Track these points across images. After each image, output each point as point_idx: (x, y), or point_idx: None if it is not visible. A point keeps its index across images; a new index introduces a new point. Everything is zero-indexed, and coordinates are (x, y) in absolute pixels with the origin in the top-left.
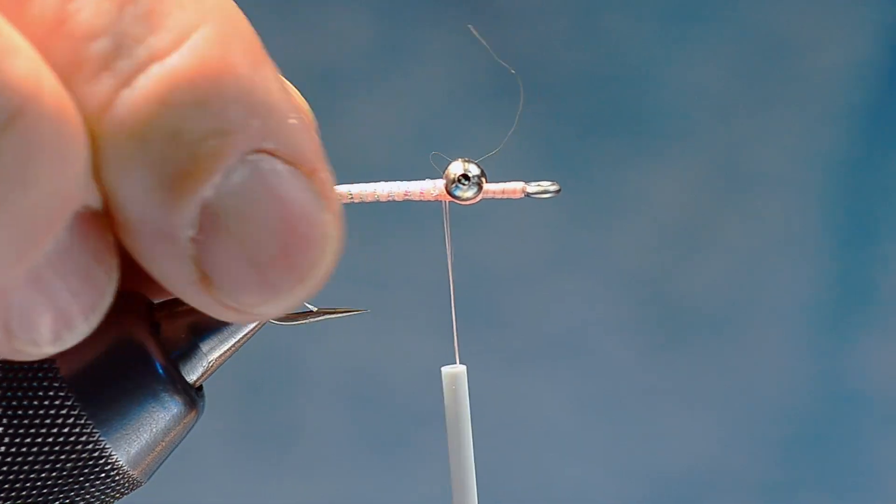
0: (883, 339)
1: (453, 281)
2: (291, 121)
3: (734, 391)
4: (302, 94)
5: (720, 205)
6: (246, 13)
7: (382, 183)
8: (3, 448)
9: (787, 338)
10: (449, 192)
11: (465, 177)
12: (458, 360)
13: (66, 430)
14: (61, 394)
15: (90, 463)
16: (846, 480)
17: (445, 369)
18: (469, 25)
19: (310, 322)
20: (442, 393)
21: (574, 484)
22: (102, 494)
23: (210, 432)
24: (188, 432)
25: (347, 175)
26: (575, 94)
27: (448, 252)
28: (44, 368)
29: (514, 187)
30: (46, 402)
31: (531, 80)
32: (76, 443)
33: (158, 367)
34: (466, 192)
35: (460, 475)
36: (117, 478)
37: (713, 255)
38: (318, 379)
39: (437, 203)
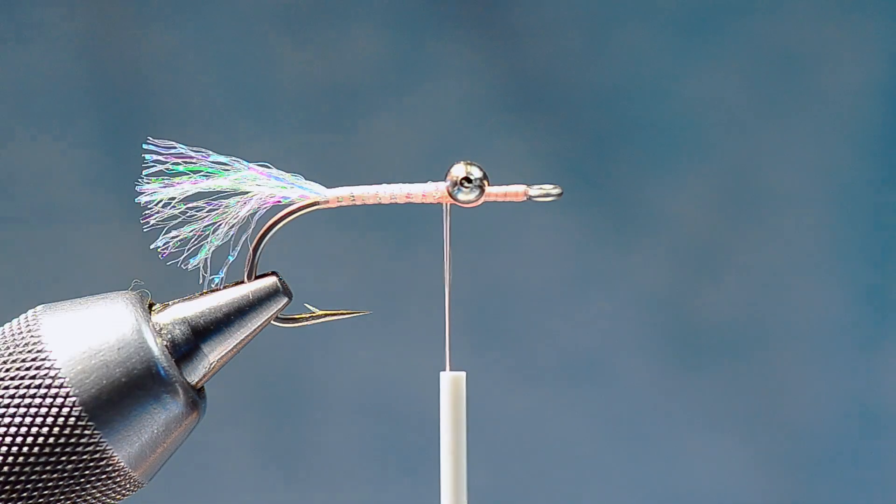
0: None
1: (450, 284)
2: None
3: (757, 412)
4: (321, 110)
5: (739, 221)
6: (266, 32)
7: (385, 185)
8: (4, 449)
9: (811, 357)
10: (451, 195)
11: (468, 179)
12: (448, 366)
13: (67, 430)
14: (63, 395)
15: (91, 464)
16: (874, 501)
17: (444, 374)
18: None
19: (311, 324)
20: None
21: None
22: (103, 496)
23: (228, 446)
24: (190, 433)
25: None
26: (591, 108)
27: (446, 254)
28: (46, 370)
29: (517, 190)
30: (48, 403)
31: (547, 96)
32: (77, 443)
33: (160, 369)
34: (468, 195)
35: (453, 479)
36: (118, 479)
37: (733, 273)
38: (334, 390)
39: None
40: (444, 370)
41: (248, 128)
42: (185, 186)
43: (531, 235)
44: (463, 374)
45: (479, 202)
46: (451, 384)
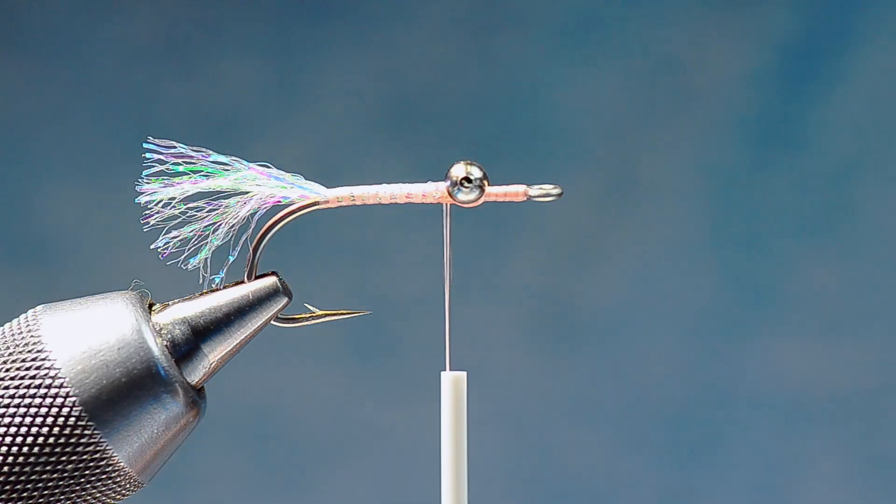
0: (773, 341)
1: (450, 286)
2: None
3: (629, 397)
4: (204, 139)
5: (611, 217)
6: (145, 67)
7: (384, 185)
8: (4, 449)
9: (680, 342)
10: (451, 195)
11: (468, 179)
12: (448, 367)
13: (67, 430)
14: (63, 395)
15: (91, 464)
16: (743, 483)
17: (445, 374)
18: None
19: (311, 324)
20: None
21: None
22: (103, 496)
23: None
24: (190, 433)
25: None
26: (467, 118)
27: (446, 254)
28: (46, 370)
29: (517, 190)
30: (48, 403)
31: (423, 107)
32: (77, 443)
33: (160, 369)
34: (468, 195)
35: (454, 479)
36: (118, 479)
37: (606, 266)
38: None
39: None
40: (445, 370)
41: (130, 164)
42: (185, 186)
43: (408, 246)
44: (464, 373)
45: (479, 202)
46: (452, 384)
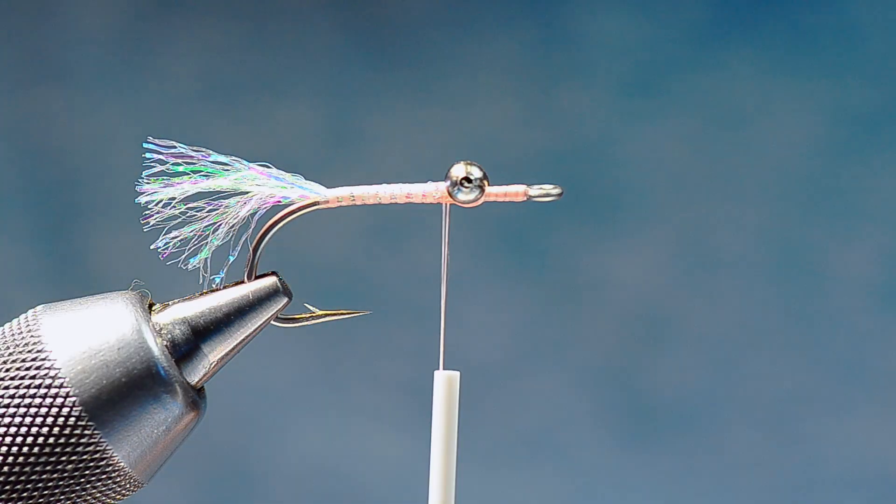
0: (860, 420)
1: (447, 288)
2: None
3: (709, 491)
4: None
5: (683, 289)
6: (195, 109)
7: (384, 185)
8: (4, 449)
9: (760, 427)
10: (451, 195)
11: (468, 179)
12: (442, 366)
13: (67, 430)
14: (63, 395)
15: (91, 464)
16: None
17: (438, 373)
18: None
19: (311, 324)
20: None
21: None
22: (103, 496)
23: None
24: (189, 433)
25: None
26: (532, 173)
27: (445, 255)
28: (46, 370)
29: (517, 190)
30: (48, 403)
31: (483, 159)
32: (77, 443)
33: (160, 369)
34: (468, 195)
35: (443, 478)
36: (118, 479)
37: (683, 342)
38: (277, 476)
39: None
40: (439, 369)
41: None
42: (186, 186)
43: (477, 310)
44: (457, 373)
45: (479, 202)
46: (445, 383)
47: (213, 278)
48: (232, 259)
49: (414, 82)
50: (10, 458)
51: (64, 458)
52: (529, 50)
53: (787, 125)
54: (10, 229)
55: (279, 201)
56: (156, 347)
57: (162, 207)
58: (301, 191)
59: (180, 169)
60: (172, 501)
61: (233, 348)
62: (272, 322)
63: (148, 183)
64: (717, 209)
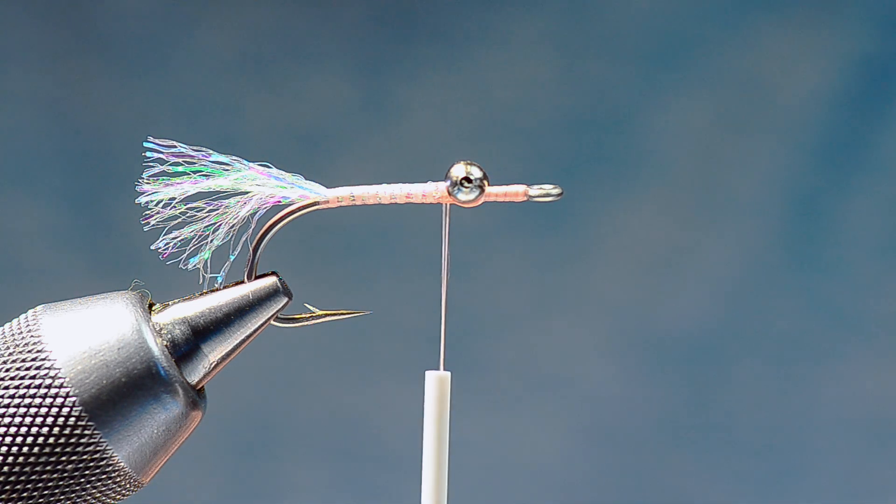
0: (854, 363)
1: (447, 286)
2: None
3: (710, 419)
4: (288, 156)
5: (695, 236)
6: (231, 76)
7: (384, 185)
8: (4, 449)
9: (764, 365)
10: (451, 195)
11: (468, 179)
12: (442, 367)
13: (67, 430)
14: (63, 395)
15: (91, 464)
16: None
17: (430, 373)
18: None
19: (312, 324)
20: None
21: None
22: (103, 496)
23: (203, 494)
24: (189, 433)
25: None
26: (557, 138)
27: (445, 254)
28: (46, 370)
29: (517, 190)
30: (48, 403)
31: (513, 125)
32: (77, 444)
33: (160, 369)
34: (468, 195)
35: (435, 479)
36: (118, 479)
37: (694, 282)
38: (302, 433)
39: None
40: (436, 369)
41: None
42: (186, 186)
43: (496, 260)
44: (448, 374)
45: (479, 202)
46: (437, 383)
47: (214, 277)
48: (232, 259)
49: (442, 51)
50: (11, 458)
51: (64, 458)
52: (558, 22)
53: (800, 78)
54: (47, 195)
55: (279, 201)
56: (156, 347)
57: (162, 207)
58: (301, 191)
59: (180, 169)
60: (199, 454)
61: (233, 348)
62: (272, 322)
63: (148, 183)
64: (730, 162)
